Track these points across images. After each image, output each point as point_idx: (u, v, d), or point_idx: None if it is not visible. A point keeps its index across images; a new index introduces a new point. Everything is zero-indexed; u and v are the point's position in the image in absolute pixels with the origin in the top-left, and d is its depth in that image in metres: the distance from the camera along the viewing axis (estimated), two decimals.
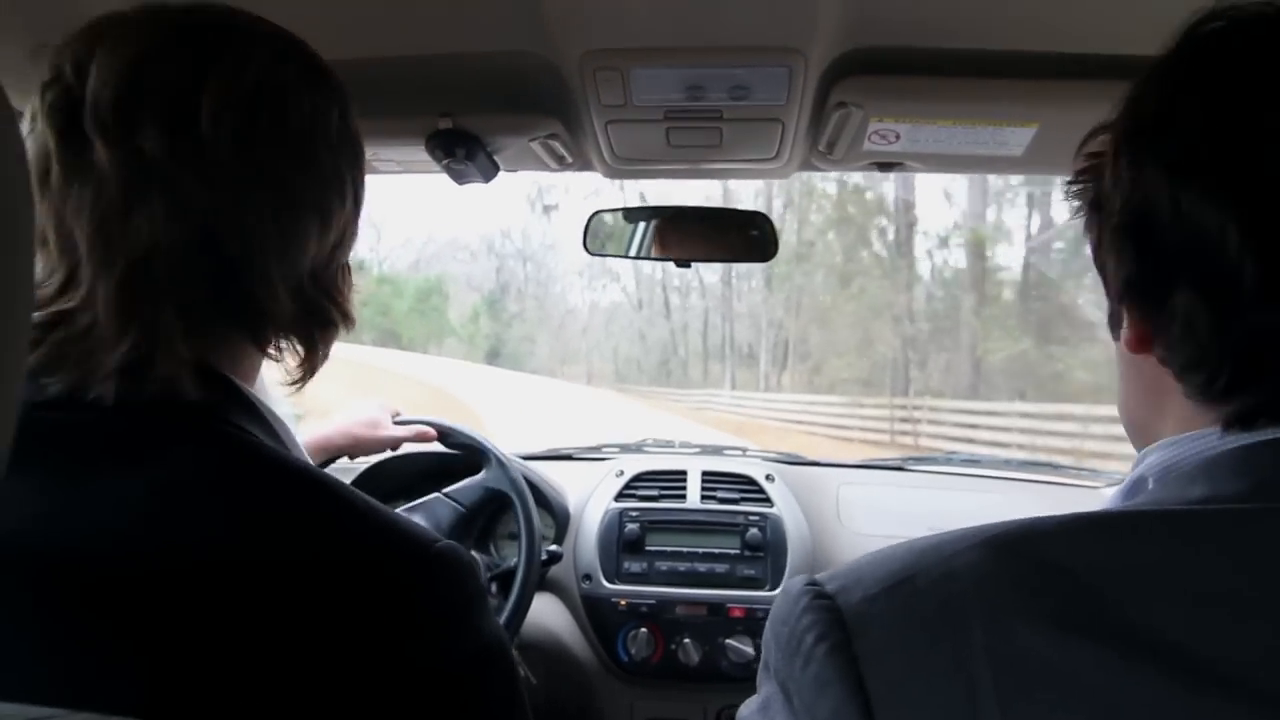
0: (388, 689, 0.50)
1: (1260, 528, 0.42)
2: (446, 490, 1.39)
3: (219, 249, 0.55)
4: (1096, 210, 0.53)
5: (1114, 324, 0.55)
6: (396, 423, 1.37)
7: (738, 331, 36.04)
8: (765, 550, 1.52)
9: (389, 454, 1.44)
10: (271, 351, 0.63)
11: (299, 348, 0.64)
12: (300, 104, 0.59)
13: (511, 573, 1.33)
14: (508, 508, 1.39)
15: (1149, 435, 0.54)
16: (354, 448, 1.32)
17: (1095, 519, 0.45)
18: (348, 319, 0.66)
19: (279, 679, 0.48)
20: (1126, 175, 0.48)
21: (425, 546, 0.55)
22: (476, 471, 1.41)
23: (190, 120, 0.53)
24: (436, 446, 1.42)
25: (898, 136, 1.04)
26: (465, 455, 1.44)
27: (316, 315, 0.63)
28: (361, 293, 0.69)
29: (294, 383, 0.66)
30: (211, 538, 0.50)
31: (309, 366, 0.65)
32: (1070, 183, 0.56)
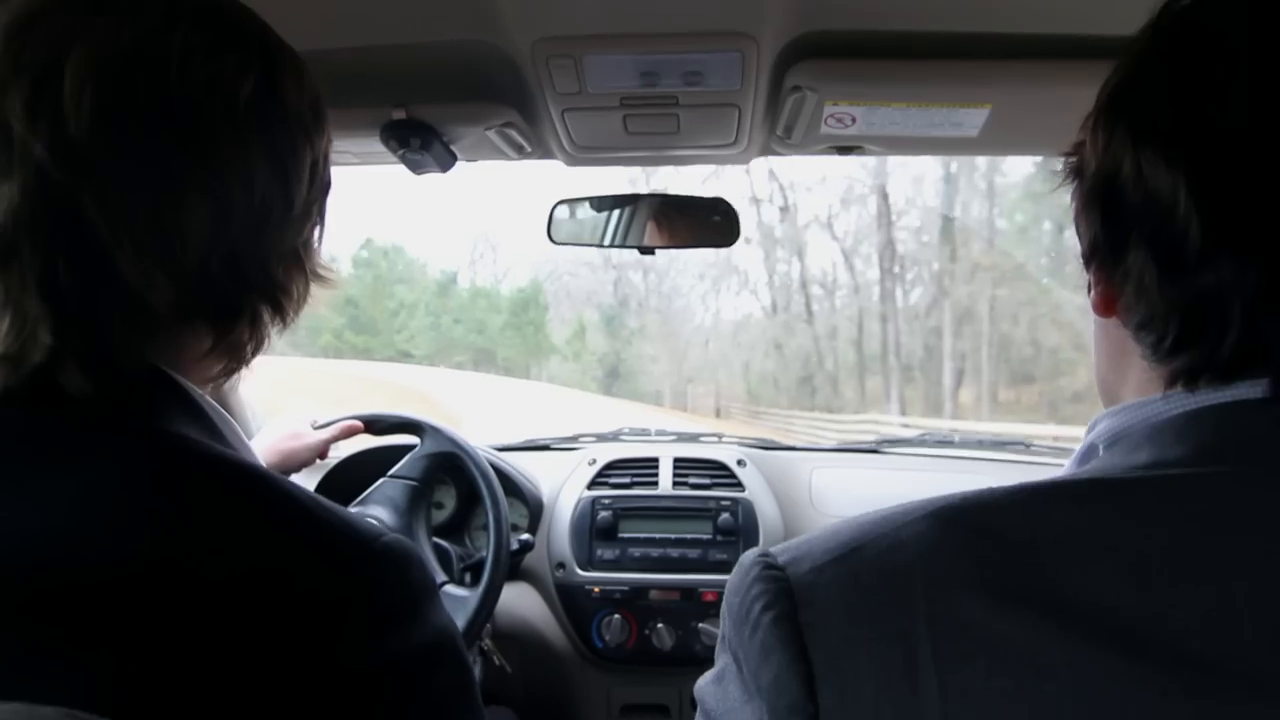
0: (334, 688, 0.50)
1: (1200, 492, 0.43)
2: (391, 471, 1.39)
3: (83, 228, 0.51)
4: (1078, 178, 0.54)
5: (1088, 289, 0.56)
6: (316, 427, 1.35)
7: (905, 338, 27.12)
8: (737, 534, 1.53)
9: (332, 463, 1.43)
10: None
11: (209, 334, 0.60)
12: (191, 73, 0.53)
13: (483, 562, 1.34)
14: (462, 474, 1.39)
15: (1114, 400, 0.55)
16: (284, 463, 1.30)
17: (1039, 488, 0.46)
18: (276, 306, 0.62)
19: (216, 681, 0.47)
20: (1100, 142, 0.50)
21: (370, 542, 0.54)
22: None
23: (54, 93, 0.50)
24: (369, 440, 1.43)
25: (854, 120, 1.04)
26: (405, 441, 1.44)
27: (222, 301, 0.59)
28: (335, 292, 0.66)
29: (216, 376, 0.63)
30: (138, 541, 0.49)
31: (229, 354, 0.62)
32: (1065, 155, 0.56)
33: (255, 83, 0.56)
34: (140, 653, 0.47)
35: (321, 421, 1.37)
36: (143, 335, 0.56)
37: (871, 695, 0.41)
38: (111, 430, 0.54)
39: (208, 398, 0.60)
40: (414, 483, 1.37)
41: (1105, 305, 0.52)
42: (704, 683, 0.51)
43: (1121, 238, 0.48)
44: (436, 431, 1.40)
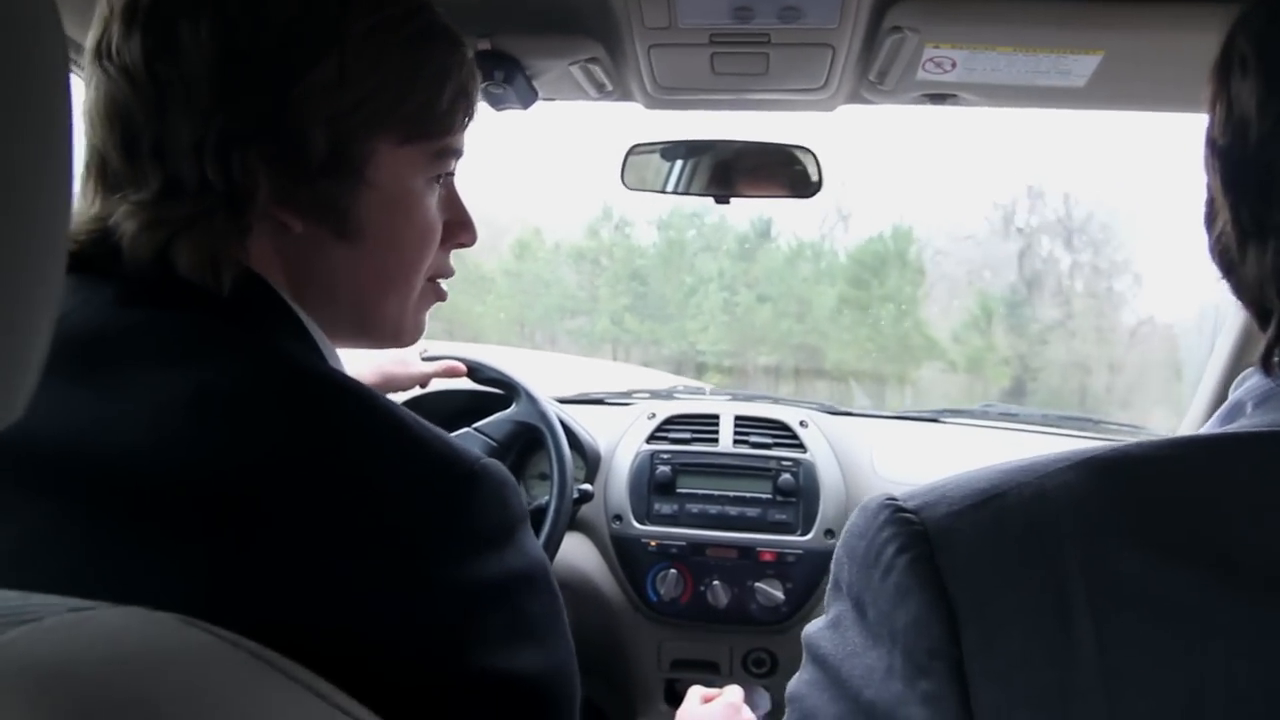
0: (430, 604, 0.50)
1: None
2: (477, 425, 1.40)
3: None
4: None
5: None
6: (425, 359, 1.36)
7: None
8: (797, 496, 1.51)
9: (420, 392, 1.44)
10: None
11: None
12: None
13: (543, 510, 1.34)
14: (539, 445, 1.40)
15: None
16: (385, 384, 1.31)
17: (1197, 441, 0.44)
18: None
19: (319, 593, 0.48)
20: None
21: (470, 463, 0.54)
22: (507, 408, 1.42)
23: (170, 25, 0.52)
24: (466, 383, 1.42)
25: (954, 65, 0.99)
26: (497, 391, 1.45)
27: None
28: None
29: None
30: (245, 451, 0.50)
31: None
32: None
33: None
34: (245, 561, 0.47)
35: (431, 353, 1.38)
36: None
37: (1020, 641, 0.39)
38: (219, 341, 0.54)
39: (307, 315, 0.60)
40: (494, 443, 1.39)
41: None
42: (816, 629, 0.50)
43: None
44: (532, 401, 1.40)
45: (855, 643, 0.46)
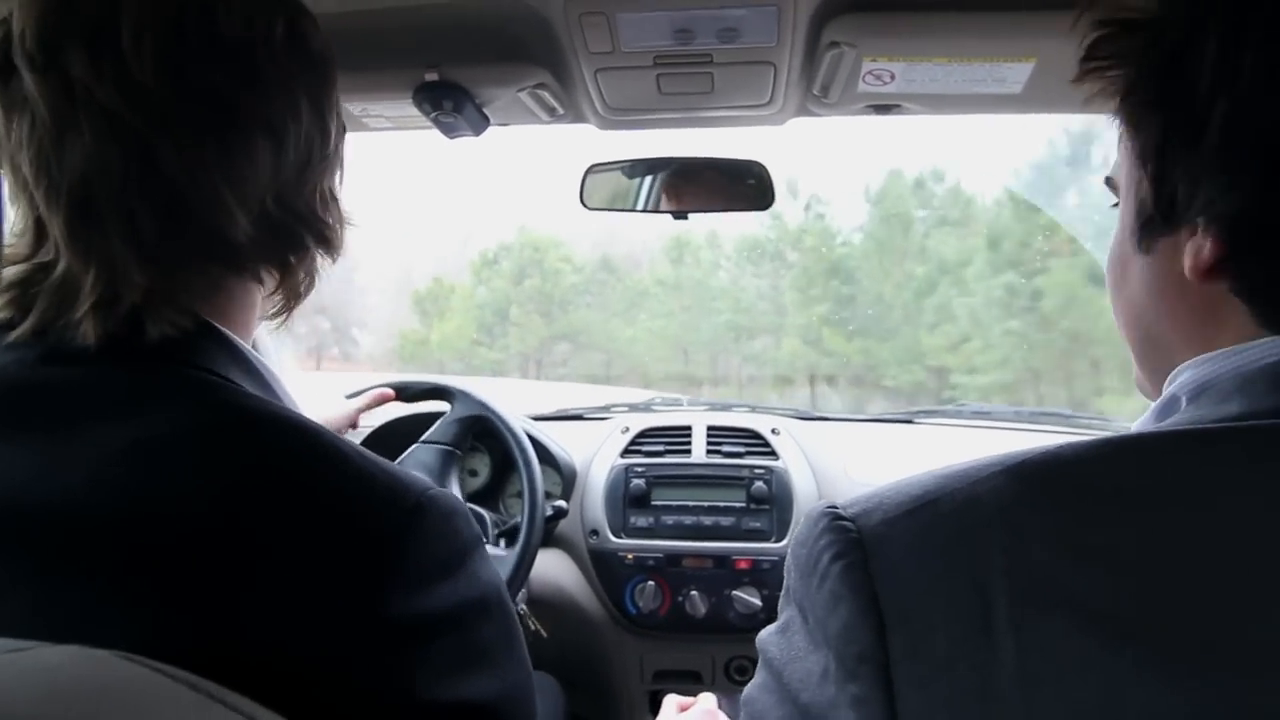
0: (381, 637, 0.50)
1: None
2: (423, 437, 1.40)
3: (159, 172, 0.54)
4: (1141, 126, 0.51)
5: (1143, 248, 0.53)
6: (348, 397, 1.36)
7: None
8: (771, 503, 1.52)
9: (363, 431, 1.44)
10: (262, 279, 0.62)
11: (274, 272, 0.63)
12: (233, 16, 0.56)
13: (518, 528, 1.35)
14: (514, 465, 1.40)
15: (1160, 363, 0.53)
16: None
17: (1127, 441, 0.44)
18: (326, 243, 0.64)
19: (264, 628, 0.48)
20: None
21: (417, 494, 0.55)
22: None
23: (113, 41, 0.52)
24: (401, 408, 1.44)
25: (893, 77, 1.01)
26: (436, 404, 1.46)
27: (286, 238, 0.61)
28: None
29: (276, 313, 0.65)
30: (191, 491, 0.50)
31: (288, 292, 0.65)
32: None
33: (284, 24, 0.59)
34: (190, 599, 0.48)
35: (351, 391, 1.38)
36: (222, 269, 0.59)
37: (944, 646, 0.40)
38: (168, 381, 0.55)
39: (256, 353, 0.61)
40: (446, 447, 1.39)
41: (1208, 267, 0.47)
42: (767, 634, 0.51)
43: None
44: (466, 395, 1.41)
45: (799, 647, 0.47)
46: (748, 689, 0.52)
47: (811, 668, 0.45)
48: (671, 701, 1.03)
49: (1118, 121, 0.53)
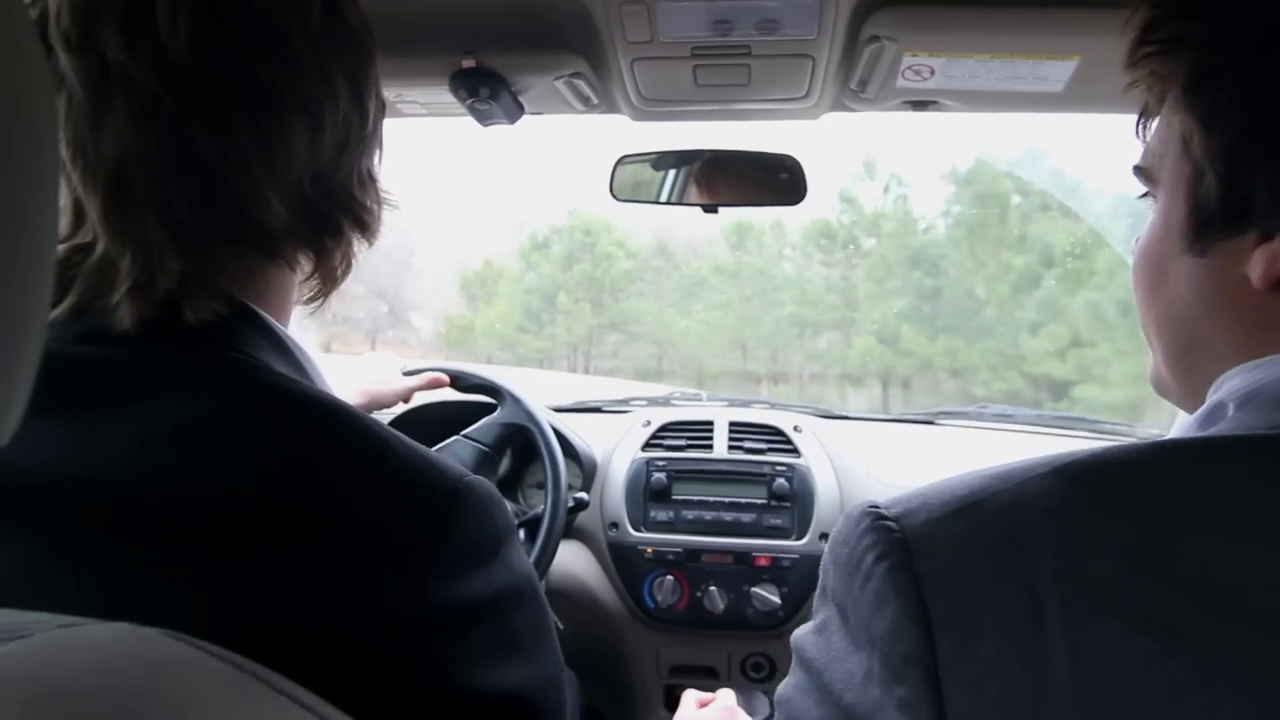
0: (417, 622, 0.50)
1: None
2: (465, 432, 1.41)
3: (195, 154, 0.53)
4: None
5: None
6: (406, 374, 1.36)
7: None
8: (792, 500, 1.52)
9: (406, 407, 1.45)
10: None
11: (310, 257, 0.62)
12: None
13: (539, 519, 1.35)
14: (535, 456, 1.40)
15: (1194, 373, 0.52)
16: (370, 403, 1.31)
17: (1178, 445, 0.43)
18: (363, 226, 0.63)
19: (303, 612, 0.48)
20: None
21: (454, 481, 0.55)
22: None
23: (148, 21, 0.51)
24: (451, 393, 1.43)
25: (932, 72, 1.00)
26: (485, 400, 1.46)
27: (322, 222, 0.61)
28: None
29: (312, 298, 0.65)
30: (233, 473, 0.51)
31: (324, 276, 0.64)
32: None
33: (321, 2, 0.57)
34: (230, 580, 0.48)
35: (410, 368, 1.38)
36: (257, 254, 0.58)
37: (994, 649, 0.39)
38: (207, 363, 0.55)
39: (291, 336, 0.61)
40: (485, 448, 1.40)
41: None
42: (803, 634, 0.50)
43: None
44: (517, 402, 1.41)
45: (839, 648, 0.46)
46: (782, 688, 0.52)
47: (853, 669, 0.45)
48: (690, 697, 1.03)
49: (1166, 109, 0.51)
